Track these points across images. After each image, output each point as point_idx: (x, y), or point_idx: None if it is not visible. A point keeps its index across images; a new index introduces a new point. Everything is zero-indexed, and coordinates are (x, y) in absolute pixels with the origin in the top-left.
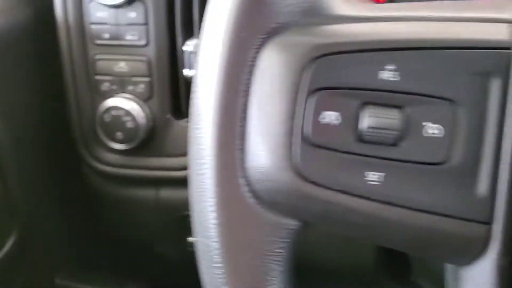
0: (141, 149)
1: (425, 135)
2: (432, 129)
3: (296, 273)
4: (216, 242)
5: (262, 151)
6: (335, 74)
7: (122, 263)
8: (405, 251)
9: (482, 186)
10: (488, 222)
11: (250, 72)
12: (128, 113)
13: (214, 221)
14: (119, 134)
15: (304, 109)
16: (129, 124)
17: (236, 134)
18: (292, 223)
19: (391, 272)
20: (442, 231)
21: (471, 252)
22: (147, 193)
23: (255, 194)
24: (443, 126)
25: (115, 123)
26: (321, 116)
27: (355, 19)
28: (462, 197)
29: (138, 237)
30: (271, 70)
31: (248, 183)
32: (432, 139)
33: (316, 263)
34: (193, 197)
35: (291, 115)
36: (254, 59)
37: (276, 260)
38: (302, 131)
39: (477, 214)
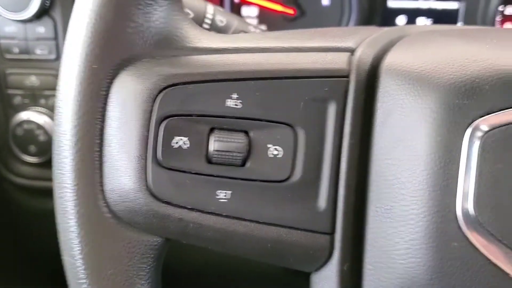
0: None
1: (269, 155)
2: (275, 150)
3: (216, 277)
4: (80, 260)
5: (119, 174)
6: (184, 102)
7: (43, 274)
8: (258, 260)
9: (322, 201)
10: (330, 233)
11: (105, 101)
12: (40, 126)
13: (76, 241)
14: (32, 147)
15: (156, 134)
16: (42, 138)
17: (94, 158)
18: (152, 240)
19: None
20: (289, 241)
21: (317, 259)
22: None
23: (115, 214)
24: (283, 147)
25: (28, 137)
26: (173, 141)
27: (206, 51)
28: (305, 210)
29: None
30: (124, 98)
31: (108, 205)
32: (275, 159)
33: (233, 266)
34: (57, 218)
35: (144, 140)
36: (107, 88)
37: (139, 275)
38: (155, 155)
39: (319, 226)
